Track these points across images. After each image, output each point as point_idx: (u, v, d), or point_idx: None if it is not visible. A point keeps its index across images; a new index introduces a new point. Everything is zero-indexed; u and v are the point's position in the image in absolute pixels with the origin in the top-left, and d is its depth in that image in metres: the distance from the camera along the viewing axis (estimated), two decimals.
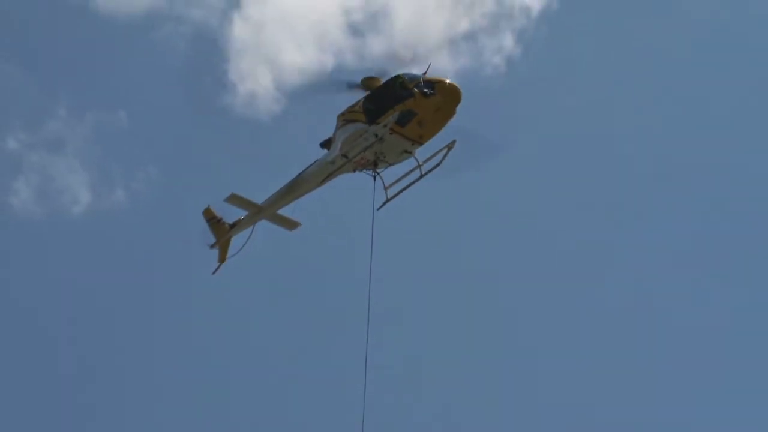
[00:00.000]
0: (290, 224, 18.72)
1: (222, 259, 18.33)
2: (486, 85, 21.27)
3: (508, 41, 22.52)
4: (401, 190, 16.76)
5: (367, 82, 16.60)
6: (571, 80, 28.21)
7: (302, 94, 16.45)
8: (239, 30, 23.45)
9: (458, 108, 15.93)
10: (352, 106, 16.71)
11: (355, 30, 16.67)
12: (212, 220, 18.34)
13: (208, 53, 24.03)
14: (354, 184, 16.72)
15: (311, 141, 16.58)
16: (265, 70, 17.56)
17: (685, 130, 30.18)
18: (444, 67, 15.30)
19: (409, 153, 16.41)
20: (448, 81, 16.20)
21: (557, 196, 28.89)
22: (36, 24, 30.49)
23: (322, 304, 25.58)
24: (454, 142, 16.72)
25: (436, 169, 16.65)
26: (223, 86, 17.86)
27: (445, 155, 16.63)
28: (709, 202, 29.74)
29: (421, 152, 16.35)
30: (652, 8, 30.96)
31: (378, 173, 16.70)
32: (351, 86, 17.07)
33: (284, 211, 18.20)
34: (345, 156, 16.70)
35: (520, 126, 25.80)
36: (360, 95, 16.44)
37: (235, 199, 17.91)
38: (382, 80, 16.43)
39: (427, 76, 16.14)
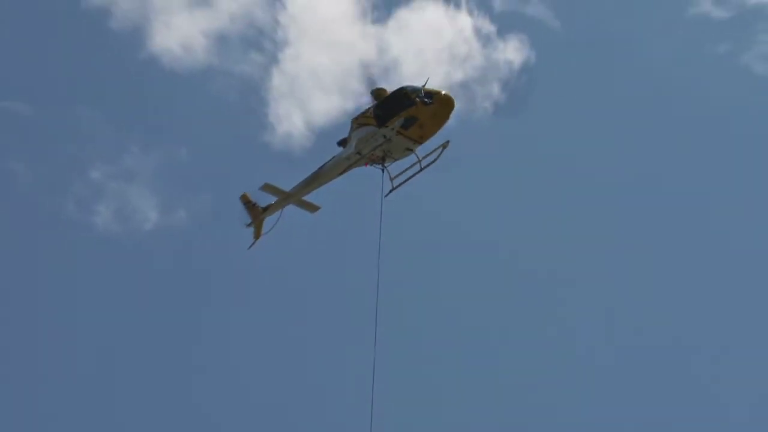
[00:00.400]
0: (312, 208, 22.25)
1: (257, 236, 21.87)
2: (477, 125, 25.24)
3: (494, 89, 26.87)
4: (405, 181, 20.01)
5: (376, 93, 20.13)
6: (547, 120, 32.30)
7: None
8: (277, 81, 29.06)
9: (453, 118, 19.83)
10: (365, 112, 19.93)
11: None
12: (248, 204, 21.88)
13: (252, 100, 30.80)
14: (366, 175, 20.39)
15: None
16: (298, 114, 21.11)
17: (656, 169, 34.05)
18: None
19: (411, 150, 19.50)
20: (443, 92, 19.34)
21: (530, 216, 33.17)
22: (114, 76, 36.18)
23: (340, 275, 30.19)
24: (448, 142, 20.01)
25: (432, 164, 20.39)
26: (264, 127, 21.64)
27: (441, 153, 19.98)
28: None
29: (420, 150, 20.24)
30: (614, 59, 35.51)
31: (385, 167, 19.95)
32: (375, 94, 20.55)
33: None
34: (359, 153, 19.93)
35: (506, 155, 30.87)
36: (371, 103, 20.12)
37: (268, 188, 21.41)
38: (389, 91, 20.10)
39: (426, 87, 19.62)
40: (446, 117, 19.17)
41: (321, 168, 21.21)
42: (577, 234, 34.20)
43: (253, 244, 21.71)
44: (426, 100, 18.76)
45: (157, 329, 32.59)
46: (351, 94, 19.68)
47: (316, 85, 21.30)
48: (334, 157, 20.83)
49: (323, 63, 22.96)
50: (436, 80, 18.14)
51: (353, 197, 21.22)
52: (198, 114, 34.66)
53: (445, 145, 19.81)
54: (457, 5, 26.97)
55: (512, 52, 28.44)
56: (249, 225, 21.77)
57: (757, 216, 33.55)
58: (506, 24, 29.60)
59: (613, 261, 33.23)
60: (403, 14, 26.78)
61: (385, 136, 19.24)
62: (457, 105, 19.68)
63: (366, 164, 20.24)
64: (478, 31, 27.61)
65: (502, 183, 32.77)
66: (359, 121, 20.10)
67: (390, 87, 20.03)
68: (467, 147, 21.93)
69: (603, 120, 34.38)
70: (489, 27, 28.38)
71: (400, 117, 18.88)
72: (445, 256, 33.63)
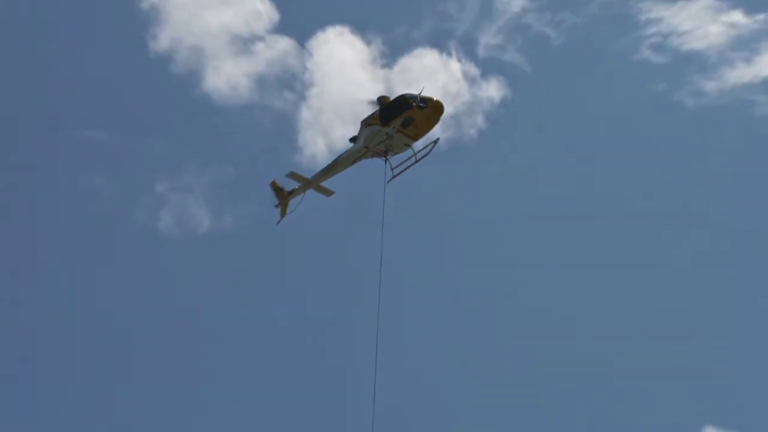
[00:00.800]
0: (328, 192, 26.90)
1: (283, 214, 26.50)
2: (465, 148, 33.77)
3: (479, 119, 34.56)
4: (403, 170, 24.20)
5: (381, 99, 24.73)
6: (522, 145, 41.57)
7: None
8: (305, 114, 37.32)
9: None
10: (372, 115, 24.26)
11: None
12: (276, 189, 26.60)
13: (285, 129, 38.91)
14: (372, 166, 25.09)
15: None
16: (322, 140, 26.37)
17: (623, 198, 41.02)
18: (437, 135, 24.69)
19: (408, 145, 23.80)
20: (435, 98, 23.66)
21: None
22: (175, 110, 45.16)
23: (349, 248, 36.89)
24: (438, 139, 24.49)
25: (426, 157, 24.85)
26: (294, 150, 27.09)
27: (432, 148, 24.42)
28: None
29: (416, 145, 24.80)
30: (575, 96, 44.09)
31: (387, 159, 24.27)
32: (380, 101, 25.21)
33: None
34: (366, 147, 24.26)
35: (489, 173, 39.48)
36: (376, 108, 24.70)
37: (293, 175, 26.12)
38: (391, 98, 24.67)
39: (422, 95, 24.20)
40: (437, 119, 23.50)
41: (336, 159, 25.75)
42: (542, 237, 40.02)
43: (279, 220, 26.51)
44: (421, 104, 23.05)
45: (209, 314, 39.48)
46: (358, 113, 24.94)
47: (336, 117, 26.42)
48: (346, 150, 25.34)
49: (342, 99, 28.18)
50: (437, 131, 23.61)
51: (361, 183, 25.69)
52: (242, 140, 42.53)
53: (436, 142, 24.33)
54: (449, 54, 33.70)
55: (493, 90, 38.35)
56: (277, 206, 26.47)
57: (697, 235, 39.35)
58: (488, 68, 39.08)
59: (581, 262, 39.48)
60: (405, 61, 33.63)
61: (387, 134, 23.54)
62: (450, 131, 25.05)
63: (372, 157, 24.59)
64: (465, 74, 36.35)
65: (485, 190, 40.97)
66: (367, 121, 24.40)
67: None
68: (457, 164, 31.18)
69: (565, 144, 42.64)
70: (474, 71, 37.95)
71: (400, 118, 23.11)
72: (438, 236, 40.23)
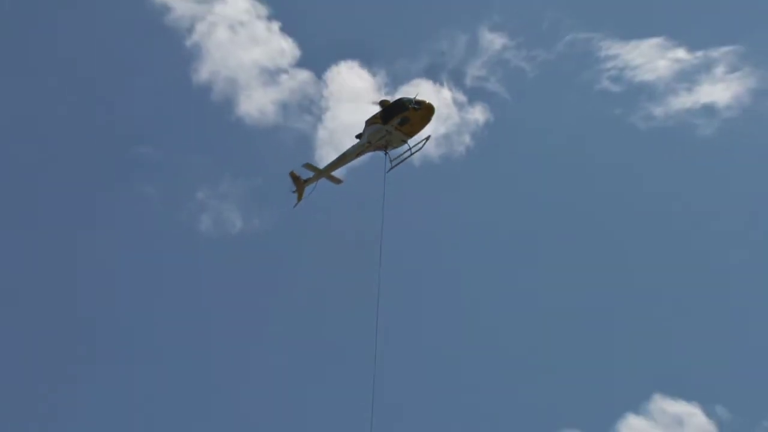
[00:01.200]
0: (337, 181, 31.41)
1: (299, 198, 31.07)
2: (454, 162, 41.62)
3: (467, 138, 41.17)
4: (400, 162, 28.26)
5: (382, 102, 29.14)
6: (503, 159, 50.62)
7: None
8: (321, 134, 44.77)
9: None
10: (374, 115, 28.17)
11: None
12: (294, 178, 31.15)
13: (304, 146, 45.95)
14: (375, 158, 29.67)
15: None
16: (335, 155, 31.36)
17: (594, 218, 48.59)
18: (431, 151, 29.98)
19: (404, 141, 27.77)
20: (428, 101, 28.00)
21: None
22: (214, 131, 52.47)
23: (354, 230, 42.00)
24: (429, 136, 28.64)
25: (419, 150, 29.09)
26: (312, 163, 31.91)
27: (425, 143, 28.61)
28: None
29: (411, 141, 29.29)
30: (545, 120, 51.08)
31: (387, 152, 28.39)
32: (383, 104, 29.61)
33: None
34: (369, 142, 28.40)
35: (475, 182, 47.42)
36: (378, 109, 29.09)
37: (308, 165, 30.76)
38: (391, 101, 29.06)
39: (417, 98, 28.59)
40: (429, 118, 27.54)
41: (344, 153, 30.11)
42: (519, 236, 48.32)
43: (296, 204, 31.15)
44: (415, 106, 27.15)
45: (241, 303, 46.22)
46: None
47: (347, 136, 31.06)
48: (353, 145, 29.63)
49: (352, 121, 33.12)
50: (427, 130, 28.74)
51: (365, 172, 30.42)
52: (268, 155, 49.76)
53: (427, 138, 28.38)
54: (441, 84, 40.28)
55: (478, 114, 46.80)
56: (294, 192, 31.21)
57: (658, 241, 46.35)
58: (474, 96, 47.60)
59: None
60: (405, 89, 39.46)
61: (387, 131, 27.67)
62: (442, 148, 29.98)
63: (374, 150, 28.82)
64: (455, 101, 43.99)
65: (472, 196, 48.65)
66: (370, 121, 28.58)
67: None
68: (449, 175, 39.93)
69: (539, 158, 51.22)
70: (462, 98, 46.21)
71: (397, 118, 27.24)
72: (432, 230, 47.83)
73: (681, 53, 48.53)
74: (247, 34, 49.55)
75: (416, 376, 42.16)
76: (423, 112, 27.43)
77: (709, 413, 38.45)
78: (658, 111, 47.92)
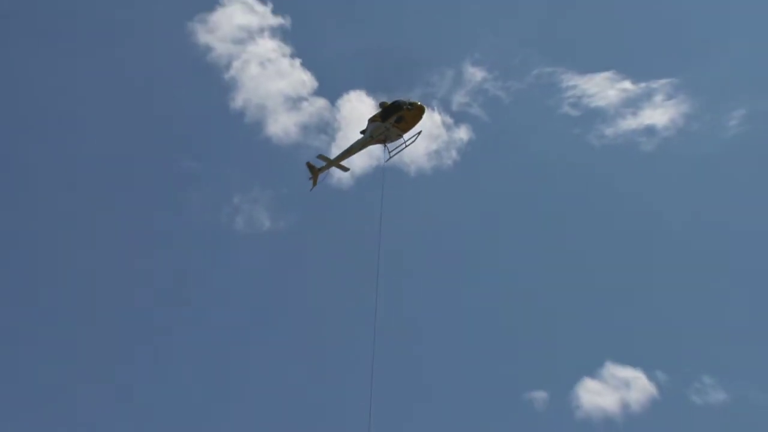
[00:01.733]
0: (344, 168, 37.05)
1: (314, 184, 36.95)
2: (443, 172, 51.46)
3: (453, 153, 52.49)
4: (396, 153, 33.71)
5: (382, 104, 34.84)
6: (483, 170, 60.79)
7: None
8: (335, 150, 49.74)
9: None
10: (375, 114, 33.57)
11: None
12: (310, 167, 36.87)
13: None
14: (376, 149, 35.70)
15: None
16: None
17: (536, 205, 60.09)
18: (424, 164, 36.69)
19: (400, 136, 33.19)
20: (419, 103, 33.62)
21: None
22: (247, 149, 61.59)
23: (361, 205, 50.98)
24: (420, 131, 34.53)
25: (413, 143, 34.64)
26: (327, 174, 37.66)
27: (416, 137, 34.07)
28: None
29: (405, 135, 35.22)
30: (518, 138, 62.46)
31: (386, 145, 33.89)
32: (382, 105, 35.41)
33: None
34: (371, 137, 34.03)
35: (461, 189, 57.24)
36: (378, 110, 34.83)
37: (321, 156, 36.84)
38: (389, 103, 34.87)
39: (410, 101, 34.37)
40: (420, 117, 32.98)
41: (351, 146, 35.75)
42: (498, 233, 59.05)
43: (312, 188, 37.05)
44: (409, 107, 32.69)
45: (270, 287, 56.13)
46: (371, 156, 37.32)
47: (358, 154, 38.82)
48: (357, 140, 35.31)
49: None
50: (421, 147, 37.08)
51: (369, 161, 36.81)
52: (291, 168, 57.98)
53: (419, 133, 33.72)
54: (432, 109, 47.98)
55: (463, 134, 56.22)
56: (310, 178, 37.35)
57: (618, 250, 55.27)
58: (459, 119, 57.81)
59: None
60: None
61: (386, 128, 33.27)
62: (434, 161, 37.13)
63: (375, 144, 34.48)
64: (443, 123, 56.46)
65: (459, 201, 59.50)
66: (372, 119, 34.09)
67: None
68: (440, 183, 50.73)
69: (513, 169, 61.88)
70: (449, 120, 55.70)
71: (394, 116, 32.83)
72: (425, 228, 56.27)
73: (627, 84, 58.41)
74: (274, 69, 58.95)
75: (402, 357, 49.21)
76: (415, 111, 33.24)
77: (650, 377, 46.65)
78: (608, 131, 58.28)
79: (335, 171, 37.77)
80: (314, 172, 37.17)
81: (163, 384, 50.21)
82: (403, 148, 34.80)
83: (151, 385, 49.71)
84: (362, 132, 35.59)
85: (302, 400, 48.93)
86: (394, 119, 33.46)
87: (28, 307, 52.31)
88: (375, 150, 36.06)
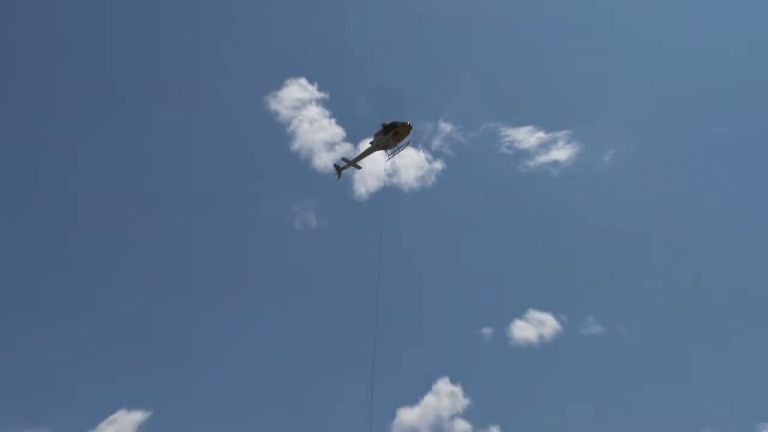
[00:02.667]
0: (358, 167, 55.29)
1: (339, 177, 54.82)
2: (427, 190, 78.93)
3: (433, 178, 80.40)
4: (394, 155, 52.12)
5: (384, 124, 52.90)
6: (453, 189, 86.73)
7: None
8: (357, 175, 69.58)
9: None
10: (379, 131, 52.23)
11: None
12: (336, 166, 54.94)
13: (348, 182, 69.53)
14: (379, 154, 53.82)
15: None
16: (363, 187, 59.87)
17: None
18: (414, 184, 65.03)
19: (396, 143, 52.63)
20: (408, 122, 52.53)
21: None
22: (300, 176, 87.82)
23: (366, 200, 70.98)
24: (408, 141, 52.43)
25: (405, 148, 52.99)
26: (352, 191, 60.98)
27: (407, 144, 52.60)
28: None
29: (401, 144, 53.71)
30: (480, 167, 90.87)
31: (386, 150, 53.01)
32: (383, 125, 53.83)
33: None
34: (377, 145, 52.62)
35: (439, 201, 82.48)
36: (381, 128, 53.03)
37: (343, 159, 54.99)
38: (388, 123, 52.99)
39: (402, 121, 52.59)
40: (409, 131, 50.92)
41: (363, 152, 54.02)
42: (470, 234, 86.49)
43: (337, 180, 55.06)
44: (401, 124, 51.46)
45: (318, 263, 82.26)
46: (380, 178, 55.67)
47: (370, 176, 58.79)
48: (367, 148, 53.87)
49: (371, 169, 59.23)
50: (412, 174, 60.51)
51: (374, 162, 55.07)
52: (330, 188, 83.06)
53: (408, 142, 52.57)
54: (419, 149, 73.79)
55: (439, 165, 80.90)
56: (335, 173, 55.33)
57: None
58: (436, 156, 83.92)
59: None
60: (402, 153, 64.78)
61: (386, 139, 51.88)
62: (420, 183, 60.01)
63: (379, 150, 53.17)
64: (426, 158, 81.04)
65: (437, 209, 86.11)
66: (377, 134, 52.54)
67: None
68: (424, 197, 76.45)
69: (472, 188, 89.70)
70: (430, 156, 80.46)
71: (392, 131, 51.05)
72: (416, 231, 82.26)
73: (541, 134, 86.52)
74: (318, 125, 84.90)
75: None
76: (406, 127, 51.53)
77: (556, 318, 71.94)
78: (530, 164, 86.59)
79: (354, 191, 56.13)
80: (338, 170, 55.26)
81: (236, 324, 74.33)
82: (398, 152, 52.84)
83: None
84: (371, 143, 53.82)
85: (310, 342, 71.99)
86: (392, 133, 51.88)
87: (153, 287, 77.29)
88: (379, 173, 54.90)
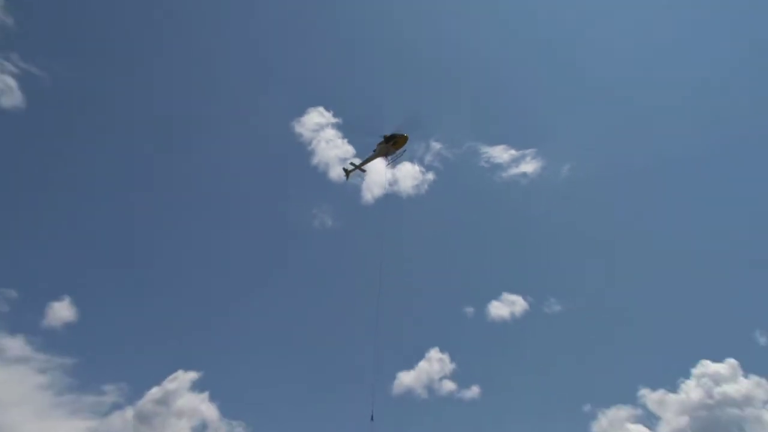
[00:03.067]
0: (363, 171, 66.58)
1: (347, 179, 66.30)
2: (421, 196, 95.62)
3: (426, 186, 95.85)
4: (394, 160, 63.41)
5: (385, 136, 64.46)
6: (442, 196, 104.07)
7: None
8: (364, 185, 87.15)
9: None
10: (381, 141, 63.90)
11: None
12: (345, 170, 66.20)
13: (358, 189, 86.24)
14: (381, 163, 65.30)
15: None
16: (370, 192, 75.19)
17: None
18: (411, 192, 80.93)
19: (395, 151, 64.00)
20: (406, 134, 64.07)
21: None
22: (320, 184, 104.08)
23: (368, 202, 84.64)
24: (405, 149, 64.30)
25: (402, 155, 64.53)
26: (361, 198, 76.55)
27: (404, 152, 64.19)
28: None
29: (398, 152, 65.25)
30: (465, 173, 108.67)
31: (387, 157, 64.30)
32: (384, 137, 65.44)
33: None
34: (380, 152, 64.20)
35: (430, 205, 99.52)
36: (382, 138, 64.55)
37: (350, 164, 66.52)
38: (389, 135, 64.46)
39: (400, 133, 64.21)
40: (406, 141, 62.22)
41: (367, 157, 65.28)
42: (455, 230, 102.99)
43: (346, 180, 66.68)
44: (400, 135, 63.48)
45: (334, 257, 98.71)
46: (383, 187, 69.26)
47: (375, 185, 71.53)
48: (371, 154, 65.24)
49: (375, 179, 70.66)
50: (408, 183, 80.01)
51: (377, 168, 66.77)
52: (344, 194, 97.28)
53: (405, 149, 64.27)
54: (414, 163, 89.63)
55: (431, 176, 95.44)
56: (345, 176, 66.84)
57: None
58: (428, 168, 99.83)
59: None
60: (400, 167, 79.90)
61: (387, 147, 63.17)
62: (416, 190, 76.08)
63: (381, 156, 64.60)
64: (420, 170, 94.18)
65: (429, 213, 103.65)
66: (380, 143, 63.80)
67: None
68: (418, 203, 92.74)
69: (457, 195, 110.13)
70: (423, 169, 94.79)
71: (392, 140, 62.16)
72: (411, 229, 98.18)
73: (513, 151, 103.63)
74: (333, 144, 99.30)
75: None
76: (403, 138, 62.76)
77: (524, 299, 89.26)
78: (504, 175, 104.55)
79: (362, 197, 67.84)
80: (347, 172, 66.83)
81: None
82: (398, 158, 64.47)
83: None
84: (373, 151, 65.41)
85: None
86: (392, 142, 63.33)
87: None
88: (382, 183, 67.00)
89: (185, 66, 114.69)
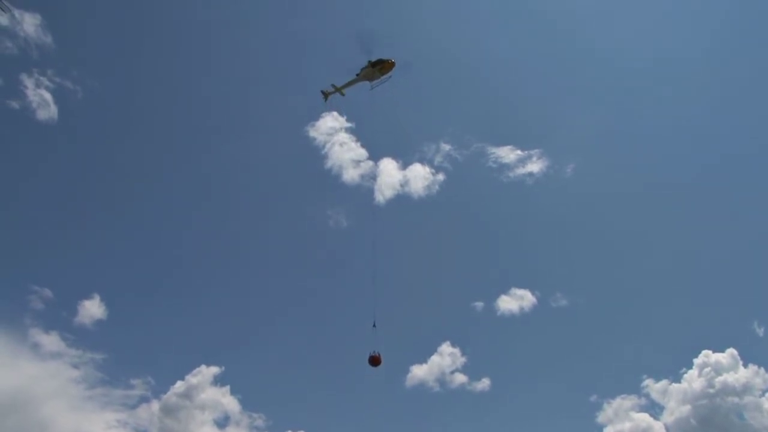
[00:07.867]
0: (343, 94, 62.61)
1: (325, 101, 62.23)
2: (431, 196, 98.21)
3: (436, 186, 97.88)
4: (377, 86, 59.76)
5: (370, 60, 60.30)
6: (453, 196, 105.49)
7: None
8: (376, 186, 74.06)
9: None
10: (366, 65, 59.58)
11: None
12: (323, 92, 62.21)
13: (367, 191, 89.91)
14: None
15: None
16: (381, 195, 72.82)
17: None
18: (422, 192, 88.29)
19: (380, 76, 59.46)
20: (392, 60, 60.71)
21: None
22: (331, 185, 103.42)
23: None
24: (391, 75, 60.68)
25: (387, 80, 61.10)
26: (372, 195, 69.80)
27: (389, 77, 60.38)
28: None
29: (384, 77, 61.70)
30: (470, 178, 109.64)
31: (371, 81, 60.39)
32: (369, 61, 61.43)
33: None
34: (364, 76, 59.48)
35: (440, 206, 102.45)
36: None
37: (332, 86, 62.46)
38: (375, 59, 60.64)
39: (387, 58, 60.70)
40: (393, 67, 58.64)
41: (350, 80, 61.32)
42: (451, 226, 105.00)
43: (325, 103, 62.81)
44: (385, 60, 59.86)
45: (349, 249, 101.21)
46: (395, 188, 73.87)
47: (386, 186, 75.59)
48: (354, 77, 61.30)
49: (389, 181, 76.86)
50: (419, 183, 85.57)
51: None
52: (356, 193, 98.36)
53: (390, 76, 60.82)
54: (424, 165, 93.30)
55: (440, 177, 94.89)
56: (324, 98, 62.85)
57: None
58: (438, 169, 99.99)
59: None
60: (411, 167, 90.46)
61: (372, 71, 58.83)
62: (425, 192, 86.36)
63: (365, 80, 60.78)
64: (431, 171, 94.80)
65: (435, 208, 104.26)
66: (364, 67, 59.61)
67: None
68: (429, 203, 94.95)
69: (464, 193, 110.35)
70: (433, 170, 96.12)
71: (378, 65, 58.59)
72: (408, 226, 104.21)
73: (519, 152, 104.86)
74: (347, 147, 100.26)
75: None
76: (390, 63, 59.37)
77: (532, 293, 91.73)
78: (511, 174, 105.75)
79: (374, 198, 65.29)
80: (326, 94, 62.90)
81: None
82: (380, 84, 60.99)
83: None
84: (357, 74, 61.35)
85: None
86: (378, 67, 59.69)
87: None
88: (394, 185, 69.40)
89: (206, 77, 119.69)
